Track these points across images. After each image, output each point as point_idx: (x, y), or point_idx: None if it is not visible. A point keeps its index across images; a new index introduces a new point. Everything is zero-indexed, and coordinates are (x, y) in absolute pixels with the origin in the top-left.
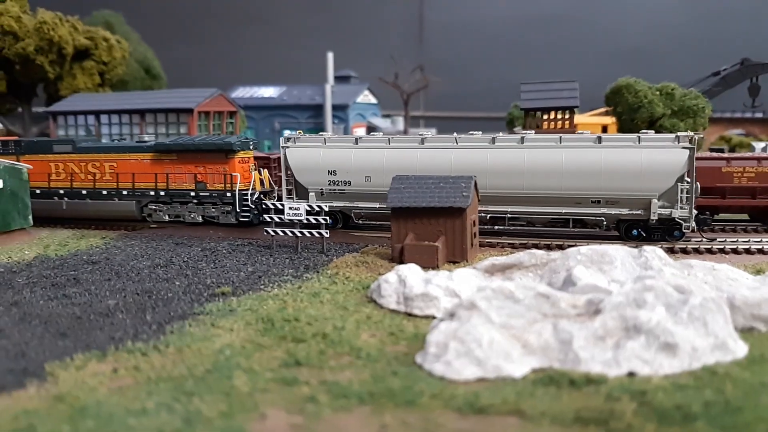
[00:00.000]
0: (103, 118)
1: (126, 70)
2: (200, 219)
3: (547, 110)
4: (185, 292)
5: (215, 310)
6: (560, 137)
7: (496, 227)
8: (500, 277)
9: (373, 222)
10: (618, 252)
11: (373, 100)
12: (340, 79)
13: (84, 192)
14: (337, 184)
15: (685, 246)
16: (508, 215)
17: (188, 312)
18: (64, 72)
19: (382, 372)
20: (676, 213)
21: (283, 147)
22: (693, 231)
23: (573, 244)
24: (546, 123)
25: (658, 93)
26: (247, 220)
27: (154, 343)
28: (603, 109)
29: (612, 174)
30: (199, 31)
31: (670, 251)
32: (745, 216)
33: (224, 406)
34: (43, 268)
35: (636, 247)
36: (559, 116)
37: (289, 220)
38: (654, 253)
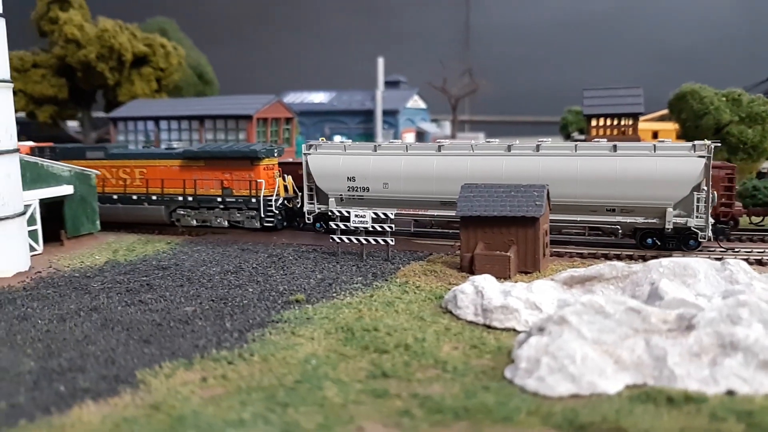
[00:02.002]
0: (163, 124)
1: (181, 76)
2: (226, 224)
3: (611, 116)
4: (260, 299)
5: (292, 317)
6: (575, 145)
7: None
8: (580, 290)
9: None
10: (700, 265)
11: (423, 105)
12: (389, 84)
13: (115, 197)
14: (356, 190)
15: (760, 257)
16: None
17: (266, 320)
18: (123, 78)
19: (473, 386)
20: (692, 222)
21: (305, 154)
22: (710, 240)
23: (643, 255)
24: (600, 129)
25: (724, 99)
26: (271, 225)
27: (238, 351)
28: (657, 114)
29: (627, 182)
30: (250, 36)
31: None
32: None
33: (320, 418)
34: (116, 273)
35: (719, 259)
36: (623, 122)
37: (355, 227)
38: (738, 266)
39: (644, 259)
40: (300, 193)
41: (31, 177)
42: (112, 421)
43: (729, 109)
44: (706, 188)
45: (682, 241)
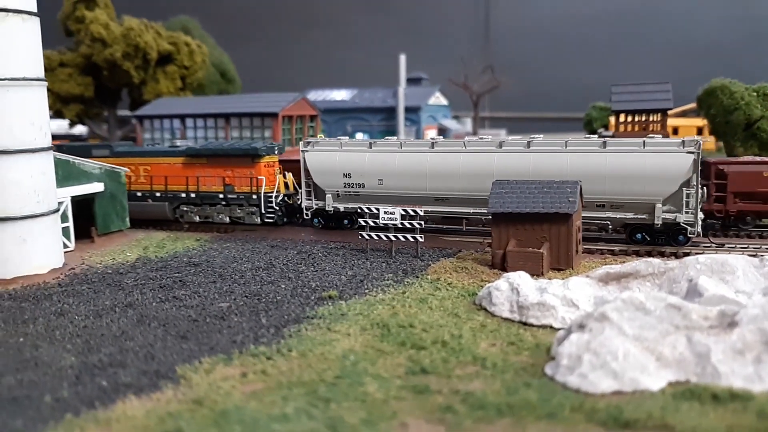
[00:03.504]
0: (188, 122)
1: (205, 74)
2: (227, 220)
3: (639, 112)
4: (293, 295)
5: (327, 314)
6: (566, 141)
7: None
8: (616, 287)
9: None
10: (738, 261)
11: (444, 102)
12: (411, 81)
13: None
14: (352, 187)
15: (754, 253)
16: None
17: (301, 315)
18: (148, 77)
19: (514, 383)
20: (681, 218)
21: (302, 151)
22: (699, 236)
23: (675, 252)
24: (628, 125)
25: (755, 94)
26: (271, 221)
27: (276, 347)
28: (677, 110)
29: (616, 178)
30: (272, 35)
31: None
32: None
33: (363, 413)
34: (148, 270)
35: (757, 256)
36: (652, 118)
37: (384, 224)
38: None
39: (676, 256)
40: (301, 190)
41: (63, 174)
42: (156, 416)
43: (760, 104)
44: (695, 184)
45: (671, 237)
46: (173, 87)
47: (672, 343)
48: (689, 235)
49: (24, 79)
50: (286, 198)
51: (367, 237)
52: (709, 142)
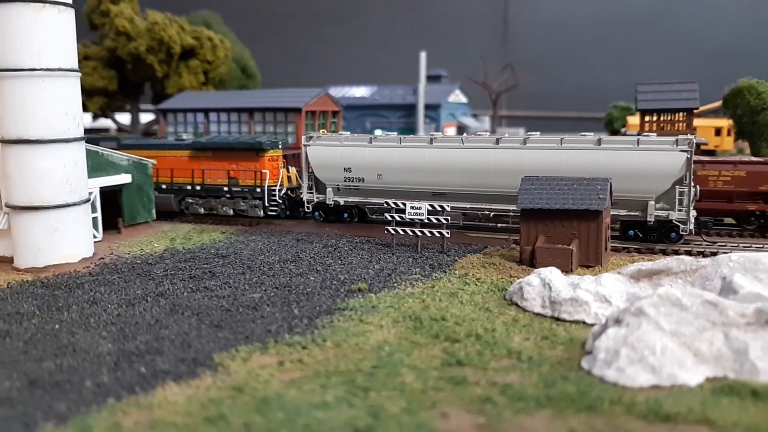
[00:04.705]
0: (212, 116)
1: (227, 69)
2: (231, 212)
3: (665, 111)
4: (322, 287)
5: (357, 306)
6: (561, 139)
7: (499, 225)
8: (647, 283)
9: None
10: None
11: (464, 100)
12: (431, 78)
13: None
14: (352, 181)
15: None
16: (512, 213)
17: (333, 307)
18: (171, 71)
19: (551, 376)
20: (674, 215)
21: (304, 145)
22: (691, 233)
23: (702, 251)
24: (653, 125)
25: None
26: (274, 213)
27: (310, 337)
28: (699, 110)
29: (610, 175)
30: (292, 31)
31: None
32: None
33: (403, 402)
34: (176, 261)
35: (700, 253)
36: (677, 117)
37: (410, 219)
38: None
39: (704, 255)
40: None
41: (92, 165)
42: (198, 402)
43: None
44: (688, 182)
45: (664, 234)
46: (196, 81)
47: (709, 339)
48: (681, 233)
49: (59, 69)
50: (288, 191)
51: (392, 232)
52: (713, 141)
